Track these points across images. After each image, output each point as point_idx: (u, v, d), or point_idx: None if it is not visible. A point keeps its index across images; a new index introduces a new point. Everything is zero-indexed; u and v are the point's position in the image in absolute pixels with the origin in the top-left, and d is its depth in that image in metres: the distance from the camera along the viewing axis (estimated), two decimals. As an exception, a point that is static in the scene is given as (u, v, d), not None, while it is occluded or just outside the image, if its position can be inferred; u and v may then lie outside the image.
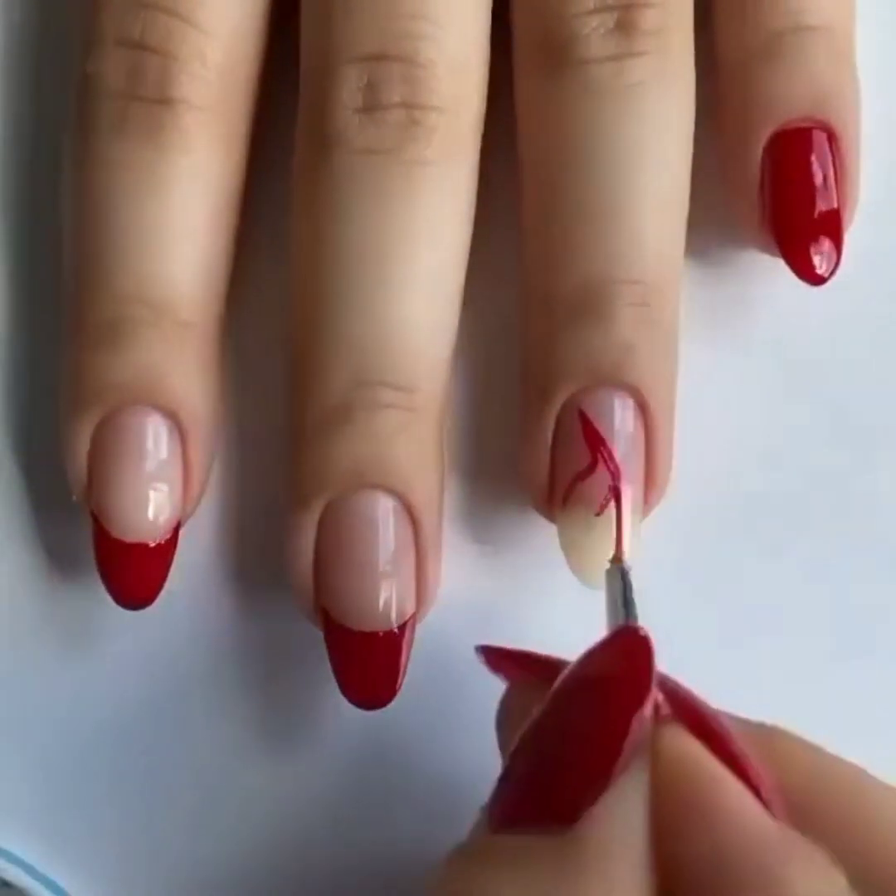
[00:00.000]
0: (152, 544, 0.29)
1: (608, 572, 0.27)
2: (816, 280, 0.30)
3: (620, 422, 0.29)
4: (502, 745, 0.28)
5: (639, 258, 0.29)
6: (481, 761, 0.30)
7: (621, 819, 0.23)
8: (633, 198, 0.29)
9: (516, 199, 0.30)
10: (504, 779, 0.25)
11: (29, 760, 0.31)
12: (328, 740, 0.31)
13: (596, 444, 0.29)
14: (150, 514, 0.29)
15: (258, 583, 0.31)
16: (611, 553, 0.28)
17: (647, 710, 0.24)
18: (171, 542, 0.30)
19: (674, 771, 0.23)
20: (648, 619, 0.30)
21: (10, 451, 0.32)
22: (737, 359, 0.32)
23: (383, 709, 0.29)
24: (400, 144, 0.29)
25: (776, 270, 0.30)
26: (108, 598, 0.30)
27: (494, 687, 0.30)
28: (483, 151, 0.30)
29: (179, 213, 0.29)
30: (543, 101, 0.30)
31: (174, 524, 0.30)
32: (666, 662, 0.28)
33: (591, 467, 0.29)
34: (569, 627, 0.30)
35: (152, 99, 0.29)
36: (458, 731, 0.31)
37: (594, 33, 0.29)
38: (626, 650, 0.25)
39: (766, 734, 0.25)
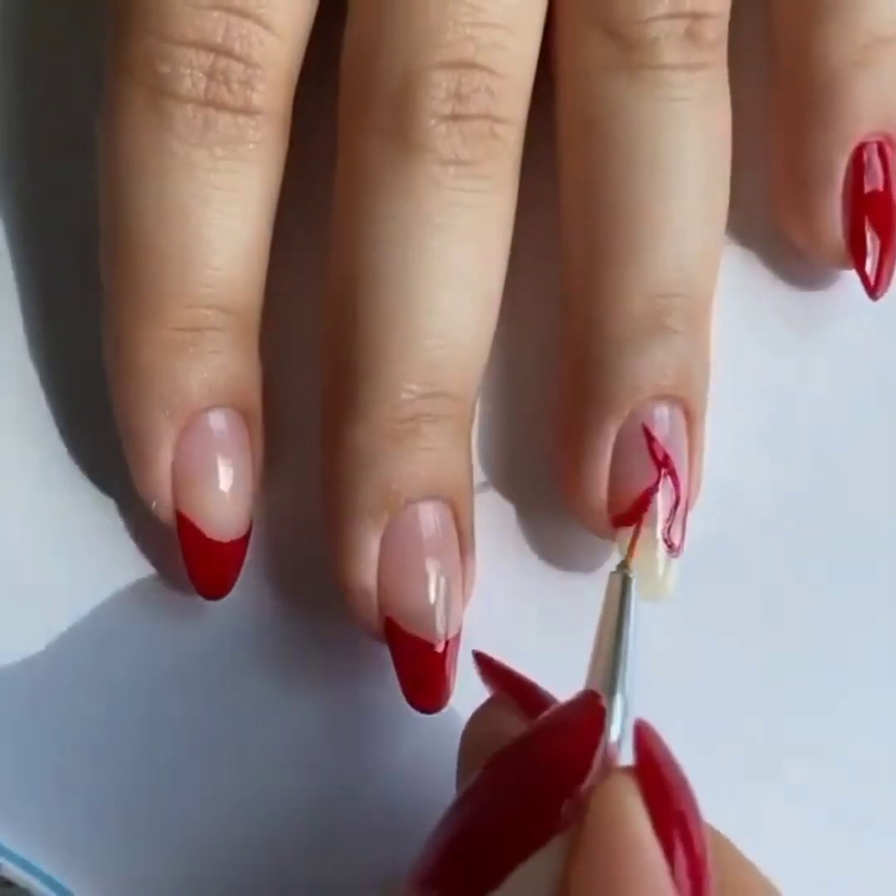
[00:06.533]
0: (237, 539, 0.30)
1: (612, 576, 0.27)
2: (880, 293, 0.31)
3: (676, 437, 0.29)
4: (459, 775, 0.28)
5: (691, 274, 0.29)
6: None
7: (532, 885, 0.23)
8: (688, 213, 0.29)
9: (520, 200, 0.30)
10: (433, 838, 0.25)
11: (31, 759, 0.31)
12: (335, 742, 0.31)
13: (661, 460, 0.29)
14: (239, 511, 0.30)
15: (286, 585, 0.31)
16: (672, 570, 0.29)
17: (583, 788, 0.23)
18: (248, 535, 0.30)
19: (599, 834, 0.23)
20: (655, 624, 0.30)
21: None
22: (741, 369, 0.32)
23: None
24: (479, 158, 0.29)
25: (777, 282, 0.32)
26: (113, 595, 0.30)
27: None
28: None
29: (253, 221, 0.30)
30: (608, 95, 0.29)
31: (251, 517, 0.30)
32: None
33: (656, 485, 0.29)
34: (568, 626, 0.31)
35: (234, 108, 0.29)
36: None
37: (668, 39, 0.29)
38: (578, 724, 0.24)
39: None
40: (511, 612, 0.31)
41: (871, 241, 0.30)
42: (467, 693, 0.29)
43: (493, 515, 0.31)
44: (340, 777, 0.31)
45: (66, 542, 0.31)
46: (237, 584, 0.31)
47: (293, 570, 0.31)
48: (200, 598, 0.30)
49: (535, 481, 0.31)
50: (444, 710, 0.30)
